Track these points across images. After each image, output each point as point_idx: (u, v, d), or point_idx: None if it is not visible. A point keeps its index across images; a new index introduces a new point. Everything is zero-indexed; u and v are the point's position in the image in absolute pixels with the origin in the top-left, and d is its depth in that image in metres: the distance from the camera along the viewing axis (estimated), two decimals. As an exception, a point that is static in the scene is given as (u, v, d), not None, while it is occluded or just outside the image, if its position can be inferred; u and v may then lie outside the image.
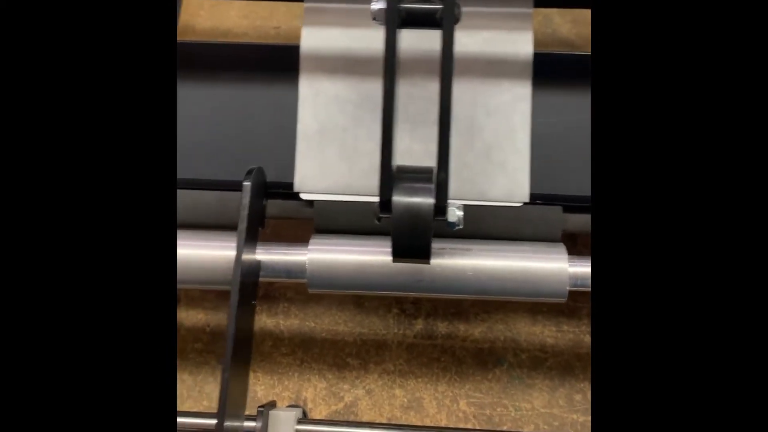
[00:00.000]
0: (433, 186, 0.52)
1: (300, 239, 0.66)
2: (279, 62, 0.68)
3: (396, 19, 0.53)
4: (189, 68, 0.70)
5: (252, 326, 0.62)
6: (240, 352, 0.56)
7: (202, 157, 0.68)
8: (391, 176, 0.53)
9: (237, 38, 0.92)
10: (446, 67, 0.52)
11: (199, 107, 0.69)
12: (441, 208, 0.52)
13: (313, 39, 0.66)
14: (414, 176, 0.53)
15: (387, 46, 0.52)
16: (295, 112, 0.66)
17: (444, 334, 0.79)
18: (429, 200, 0.52)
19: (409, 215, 0.52)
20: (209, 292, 0.82)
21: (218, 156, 0.68)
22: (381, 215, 0.54)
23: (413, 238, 0.52)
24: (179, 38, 0.90)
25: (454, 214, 0.54)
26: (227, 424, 0.54)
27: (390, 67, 0.52)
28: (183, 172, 0.68)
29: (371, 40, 0.65)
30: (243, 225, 0.57)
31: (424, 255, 0.53)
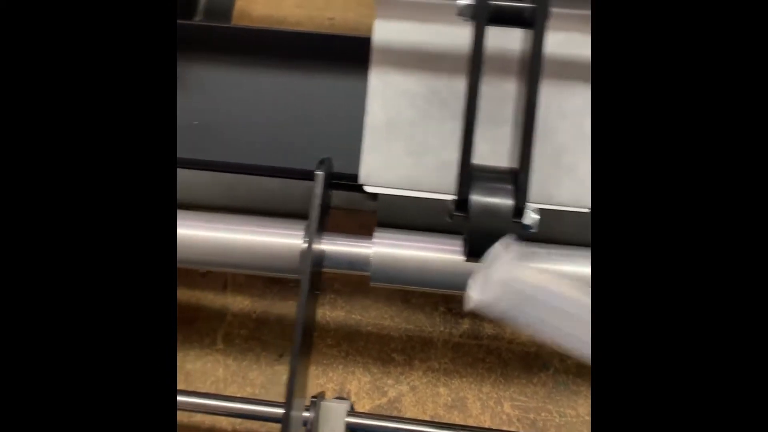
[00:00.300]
0: (511, 187, 0.52)
1: (350, 231, 0.65)
2: (346, 53, 0.68)
3: (485, 16, 0.52)
4: (253, 54, 0.70)
5: (314, 315, 0.62)
6: (304, 342, 0.56)
7: (265, 144, 0.68)
8: (469, 175, 0.52)
9: (292, 27, 0.92)
10: (535, 67, 0.51)
11: (264, 95, 0.69)
12: (519, 210, 0.52)
13: (386, 32, 0.65)
14: (492, 176, 0.53)
15: (475, 43, 0.52)
16: (361, 104, 0.65)
17: (490, 335, 0.79)
18: (508, 201, 0.51)
19: (487, 216, 0.52)
20: (256, 279, 0.82)
21: (281, 144, 0.68)
22: (455, 213, 0.53)
23: (489, 239, 0.52)
24: (237, 23, 0.90)
25: (531, 217, 0.53)
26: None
27: (476, 63, 0.52)
28: (246, 157, 0.68)
29: (445, 35, 0.64)
30: (315, 214, 0.57)
31: (498, 256, 0.53)
